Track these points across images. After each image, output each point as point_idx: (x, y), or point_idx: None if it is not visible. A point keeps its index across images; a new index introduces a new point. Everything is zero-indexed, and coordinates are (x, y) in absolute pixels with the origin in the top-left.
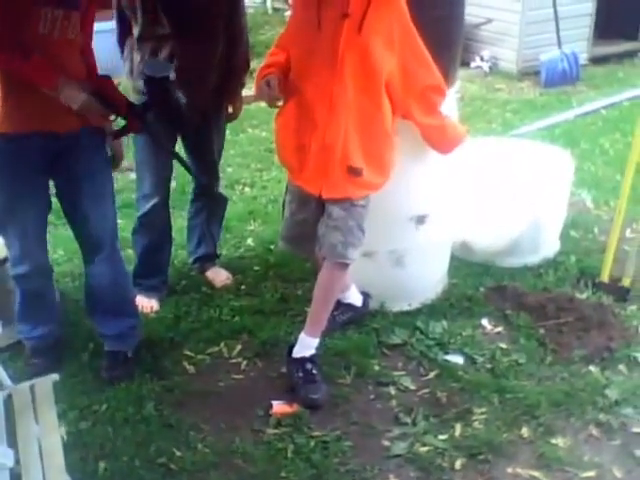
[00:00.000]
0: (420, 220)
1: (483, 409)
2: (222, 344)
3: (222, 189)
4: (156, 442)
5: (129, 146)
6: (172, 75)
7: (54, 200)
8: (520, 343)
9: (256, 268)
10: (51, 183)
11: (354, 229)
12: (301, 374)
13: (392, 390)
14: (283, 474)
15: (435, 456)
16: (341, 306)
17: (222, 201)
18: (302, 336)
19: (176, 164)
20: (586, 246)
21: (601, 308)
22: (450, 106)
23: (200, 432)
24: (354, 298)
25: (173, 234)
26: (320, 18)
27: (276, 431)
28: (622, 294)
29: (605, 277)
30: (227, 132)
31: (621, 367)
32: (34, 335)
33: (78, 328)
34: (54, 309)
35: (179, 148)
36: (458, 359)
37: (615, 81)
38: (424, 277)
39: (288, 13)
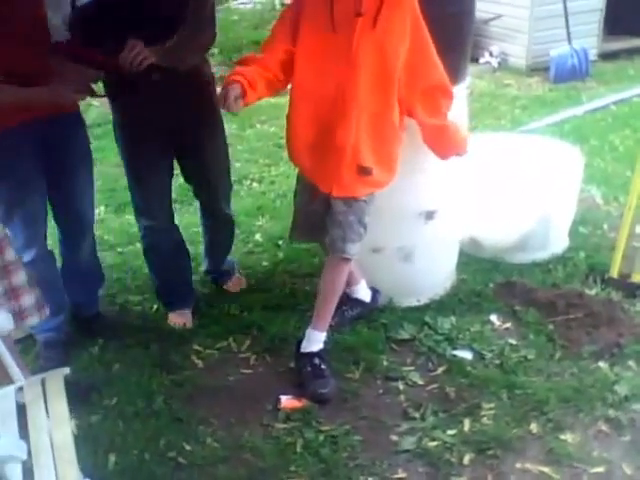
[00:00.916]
0: (429, 216)
1: (492, 404)
2: (231, 339)
3: (229, 210)
4: (166, 436)
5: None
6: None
7: None
8: (529, 339)
9: (265, 263)
10: None
11: (354, 224)
12: (309, 369)
13: (401, 385)
14: (292, 468)
15: (444, 451)
16: (350, 301)
17: (226, 223)
18: (309, 331)
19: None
20: (595, 242)
21: (610, 304)
22: (460, 102)
23: (209, 426)
24: (363, 293)
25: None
26: (333, 18)
27: (285, 425)
28: (632, 290)
29: (614, 273)
30: (235, 127)
31: (630, 363)
32: (45, 328)
33: None
34: (63, 301)
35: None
36: (467, 354)
37: (625, 77)
38: (433, 273)
39: None
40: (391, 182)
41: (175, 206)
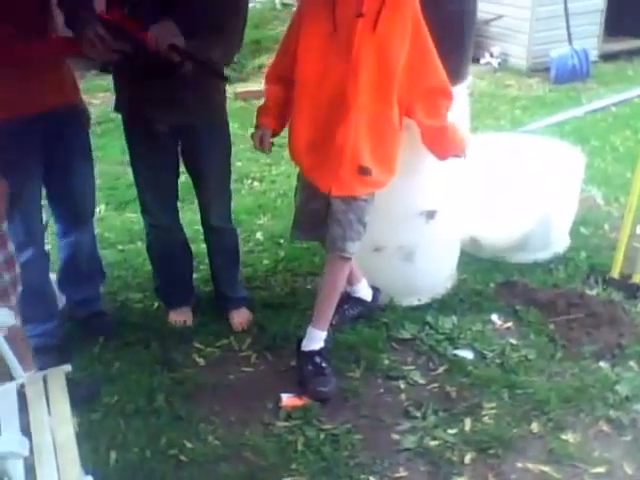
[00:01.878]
0: (430, 215)
1: (493, 404)
2: (232, 337)
3: (230, 223)
4: (167, 434)
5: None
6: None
7: None
8: (530, 339)
9: (265, 262)
10: None
11: (354, 223)
12: (310, 367)
13: (402, 384)
14: (293, 466)
15: (445, 450)
16: (351, 300)
17: (227, 237)
18: (310, 329)
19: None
20: (596, 242)
21: (611, 304)
22: (462, 102)
23: (210, 424)
24: (364, 293)
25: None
26: (335, 19)
27: (286, 424)
28: (632, 291)
29: (615, 273)
30: (236, 127)
31: (631, 363)
32: (35, 333)
33: None
34: (54, 306)
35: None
36: (468, 354)
37: (625, 78)
38: (434, 272)
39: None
40: (390, 182)
41: (177, 204)
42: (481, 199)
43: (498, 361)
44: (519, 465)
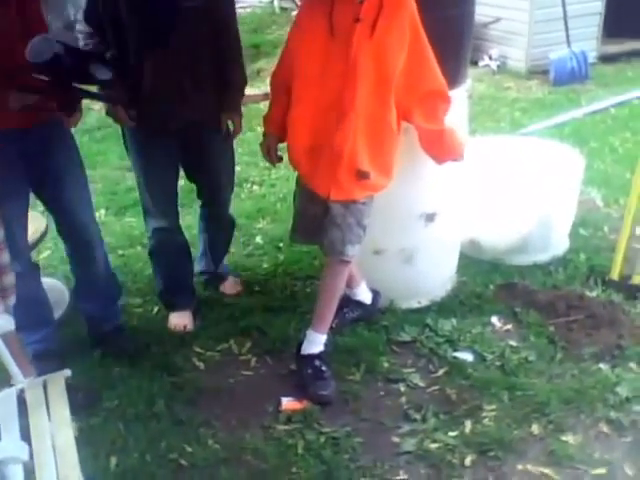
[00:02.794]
0: (430, 218)
1: (493, 406)
2: (232, 341)
3: (230, 212)
4: (167, 438)
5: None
6: (60, 49)
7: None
8: (530, 341)
9: (265, 266)
10: None
11: (353, 226)
12: (310, 371)
13: (402, 387)
14: (293, 470)
15: (445, 452)
16: (351, 303)
17: (227, 226)
18: (310, 333)
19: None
20: (596, 244)
21: (611, 306)
22: (460, 105)
23: (211, 428)
24: (364, 295)
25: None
26: (333, 24)
27: (286, 427)
28: (632, 292)
29: (615, 275)
30: None
31: (631, 365)
32: (33, 340)
33: None
34: (49, 312)
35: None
36: (468, 356)
37: (624, 80)
38: (433, 275)
39: (295, 13)
40: (389, 186)
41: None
42: (481, 201)
43: (498, 363)
44: (519, 467)
